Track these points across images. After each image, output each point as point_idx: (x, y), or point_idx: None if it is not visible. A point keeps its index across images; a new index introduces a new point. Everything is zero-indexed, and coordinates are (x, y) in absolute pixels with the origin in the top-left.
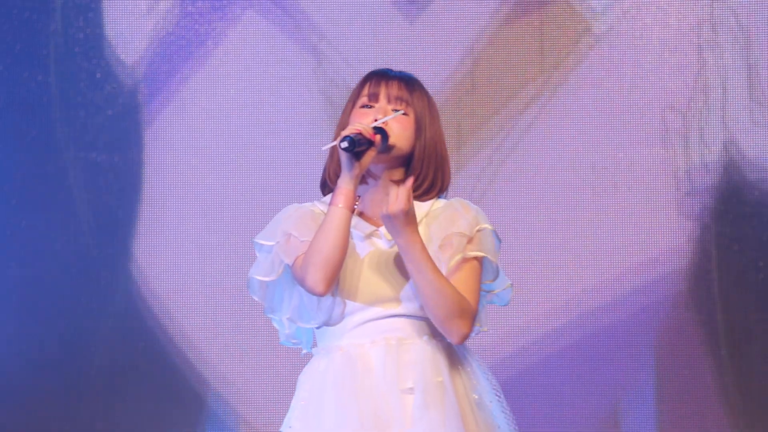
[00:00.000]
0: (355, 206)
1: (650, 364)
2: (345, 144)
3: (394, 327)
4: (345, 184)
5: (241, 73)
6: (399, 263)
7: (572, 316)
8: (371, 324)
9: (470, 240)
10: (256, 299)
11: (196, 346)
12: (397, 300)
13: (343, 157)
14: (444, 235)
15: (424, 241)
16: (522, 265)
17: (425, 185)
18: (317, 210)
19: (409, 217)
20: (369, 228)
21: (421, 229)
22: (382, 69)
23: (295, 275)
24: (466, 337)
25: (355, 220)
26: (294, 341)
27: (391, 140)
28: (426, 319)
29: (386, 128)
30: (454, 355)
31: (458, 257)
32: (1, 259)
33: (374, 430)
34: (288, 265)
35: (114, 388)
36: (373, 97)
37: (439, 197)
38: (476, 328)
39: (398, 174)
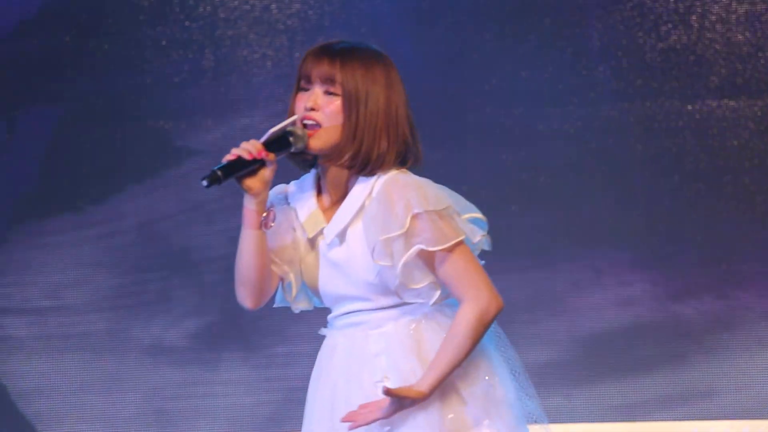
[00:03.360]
0: (270, 220)
1: None
2: (205, 183)
3: (353, 322)
4: (246, 203)
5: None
6: (345, 264)
7: None
8: (342, 319)
9: (407, 234)
10: None
11: None
12: (350, 298)
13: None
14: (376, 241)
15: (359, 237)
16: None
17: (360, 160)
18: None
19: (405, 404)
20: (316, 229)
21: (359, 224)
22: (323, 43)
23: None
24: (500, 307)
25: (314, 215)
26: None
27: (316, 136)
28: (385, 309)
29: (313, 119)
30: (411, 340)
31: (407, 256)
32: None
33: (326, 422)
34: None
35: None
36: (307, 79)
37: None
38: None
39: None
